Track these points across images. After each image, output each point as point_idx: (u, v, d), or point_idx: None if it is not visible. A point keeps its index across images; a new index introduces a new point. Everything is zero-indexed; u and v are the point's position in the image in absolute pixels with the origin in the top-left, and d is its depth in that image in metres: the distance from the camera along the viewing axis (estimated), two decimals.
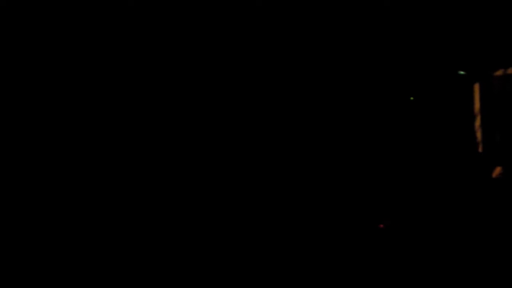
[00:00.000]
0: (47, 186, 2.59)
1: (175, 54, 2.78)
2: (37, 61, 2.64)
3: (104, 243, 2.54)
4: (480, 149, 2.86)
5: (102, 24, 2.69)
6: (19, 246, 2.46)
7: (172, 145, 2.76)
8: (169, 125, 2.76)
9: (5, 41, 2.60)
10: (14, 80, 2.61)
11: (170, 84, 2.78)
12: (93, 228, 2.58)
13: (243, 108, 2.83)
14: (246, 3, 2.76)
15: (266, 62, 2.85)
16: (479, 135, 2.87)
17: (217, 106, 2.81)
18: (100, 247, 2.52)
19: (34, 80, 2.64)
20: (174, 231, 2.64)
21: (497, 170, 2.78)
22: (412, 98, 2.95)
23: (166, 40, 2.76)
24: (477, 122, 2.88)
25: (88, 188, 2.63)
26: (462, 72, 2.92)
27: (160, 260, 2.49)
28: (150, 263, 2.48)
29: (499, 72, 2.81)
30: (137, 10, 2.71)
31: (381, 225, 2.76)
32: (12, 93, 2.60)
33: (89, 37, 2.69)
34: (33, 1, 2.60)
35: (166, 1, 2.71)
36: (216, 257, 2.52)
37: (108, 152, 2.68)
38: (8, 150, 2.56)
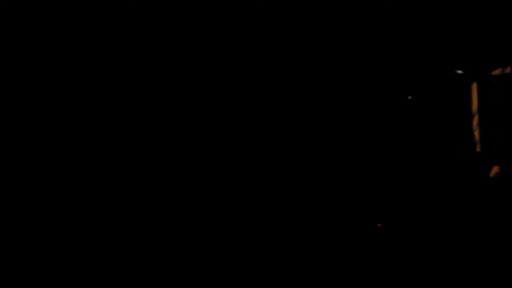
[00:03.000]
0: (47, 186, 2.60)
1: (176, 56, 2.79)
2: (38, 61, 2.66)
3: (104, 243, 2.55)
4: (477, 149, 2.86)
5: (103, 25, 2.70)
6: (19, 246, 2.47)
7: (172, 145, 2.76)
8: (169, 125, 2.77)
9: (5, 41, 2.61)
10: (14, 80, 2.63)
11: (171, 84, 2.78)
12: (93, 228, 2.59)
13: (243, 108, 2.84)
14: (247, 4, 2.76)
15: (267, 63, 2.86)
16: (476, 134, 2.87)
17: (217, 107, 2.82)
18: (100, 247, 2.53)
19: (34, 80, 2.65)
20: (174, 231, 2.65)
21: (495, 170, 2.77)
22: (410, 97, 2.94)
23: (167, 42, 2.77)
24: (475, 122, 2.88)
25: (88, 188, 2.64)
26: (459, 72, 2.91)
27: (160, 260, 2.50)
28: (150, 263, 2.48)
29: (497, 72, 2.80)
30: (138, 11, 2.72)
31: (379, 225, 2.76)
32: (12, 93, 2.62)
33: (90, 38, 2.70)
34: (34, 1, 2.62)
35: (167, 2, 2.72)
36: (216, 257, 2.52)
37: (108, 152, 2.69)
38: (8, 150, 2.58)
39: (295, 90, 2.88)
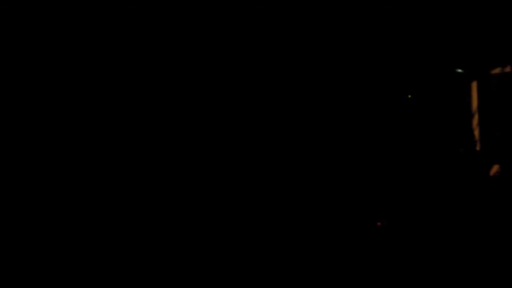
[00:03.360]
0: (47, 186, 2.60)
1: (176, 55, 2.79)
2: (38, 61, 2.66)
3: (104, 243, 2.56)
4: (477, 147, 2.86)
5: (103, 26, 2.70)
6: (19, 246, 2.48)
7: (172, 145, 2.77)
8: (169, 125, 2.77)
9: (5, 41, 2.61)
10: (14, 80, 2.63)
11: (171, 84, 2.79)
12: (93, 228, 2.59)
13: (243, 108, 2.84)
14: (247, 4, 2.76)
15: (267, 63, 2.86)
16: (477, 133, 2.87)
17: (218, 107, 2.82)
18: (100, 247, 2.54)
19: (34, 80, 2.65)
20: (174, 231, 2.65)
21: (495, 168, 2.78)
22: (410, 96, 2.95)
23: (167, 42, 2.77)
24: (475, 120, 2.88)
25: (88, 188, 2.64)
26: (460, 70, 2.92)
27: (160, 260, 2.51)
28: (150, 263, 2.49)
29: (496, 70, 2.81)
30: (138, 12, 2.72)
31: (379, 223, 2.77)
32: (12, 93, 2.62)
33: (90, 38, 2.70)
34: (34, 1, 2.62)
35: (168, 3, 2.72)
36: (216, 257, 2.53)
37: (108, 152, 2.69)
38: (8, 150, 2.58)
39: (295, 90, 2.88)
